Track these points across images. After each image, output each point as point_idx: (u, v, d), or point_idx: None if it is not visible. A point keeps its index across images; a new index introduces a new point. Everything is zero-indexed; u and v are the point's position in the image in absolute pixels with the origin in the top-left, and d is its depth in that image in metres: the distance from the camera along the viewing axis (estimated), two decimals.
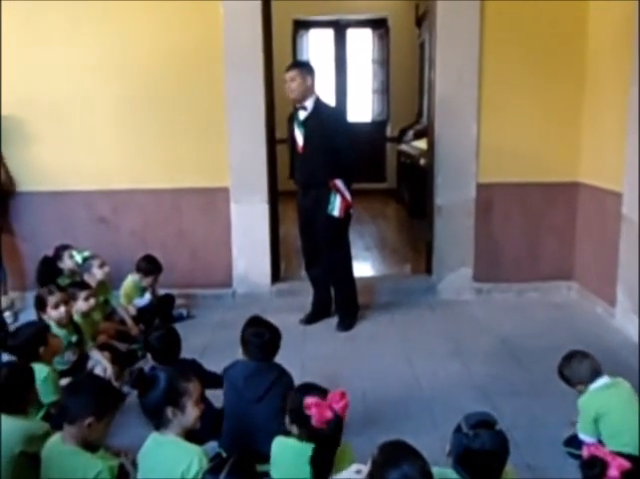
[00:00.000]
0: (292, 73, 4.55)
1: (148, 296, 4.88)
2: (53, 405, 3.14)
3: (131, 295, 4.82)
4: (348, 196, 4.61)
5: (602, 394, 2.92)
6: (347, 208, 4.64)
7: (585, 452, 2.37)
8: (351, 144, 4.61)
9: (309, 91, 4.58)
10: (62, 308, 3.77)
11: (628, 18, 4.46)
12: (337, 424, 2.37)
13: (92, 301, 4.14)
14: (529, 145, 5.26)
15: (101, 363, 3.84)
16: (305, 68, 4.62)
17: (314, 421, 2.36)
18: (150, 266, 4.88)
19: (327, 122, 4.58)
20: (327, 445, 2.39)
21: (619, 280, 4.68)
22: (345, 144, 4.58)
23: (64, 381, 3.42)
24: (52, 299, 3.76)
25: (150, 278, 4.87)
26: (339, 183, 4.58)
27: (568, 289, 5.44)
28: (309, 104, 4.60)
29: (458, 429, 2.21)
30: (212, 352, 3.63)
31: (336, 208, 4.58)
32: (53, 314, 3.75)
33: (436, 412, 3.52)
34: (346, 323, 4.83)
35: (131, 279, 4.85)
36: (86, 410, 2.47)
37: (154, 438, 2.53)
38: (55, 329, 3.68)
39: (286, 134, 4.85)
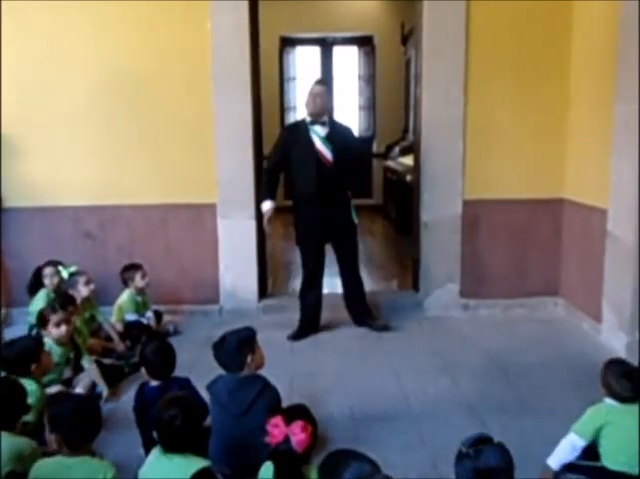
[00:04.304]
0: (320, 89, 4.81)
1: (149, 314, 4.89)
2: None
3: (124, 309, 4.81)
4: None
5: (615, 408, 2.87)
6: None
7: None
8: (367, 158, 4.95)
9: (327, 109, 4.85)
10: (63, 327, 3.78)
11: (611, 39, 4.52)
12: (289, 453, 2.35)
13: (63, 328, 4.10)
14: (515, 161, 5.29)
15: (84, 380, 3.84)
16: (328, 87, 4.89)
17: (267, 439, 2.37)
18: (129, 269, 4.89)
19: (347, 138, 4.91)
20: (286, 467, 2.38)
21: (605, 297, 4.71)
22: (363, 158, 5.02)
23: None
24: (54, 318, 3.78)
25: (140, 281, 4.85)
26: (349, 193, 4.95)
27: (554, 305, 5.47)
28: (325, 119, 4.79)
29: (459, 456, 2.18)
30: (200, 369, 3.60)
31: (355, 215, 4.93)
32: (54, 332, 3.77)
33: (424, 429, 3.52)
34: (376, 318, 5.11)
35: (128, 293, 4.84)
36: (94, 434, 2.54)
37: (159, 455, 2.51)
38: (53, 347, 3.71)
39: (281, 148, 4.85)
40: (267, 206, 4.78)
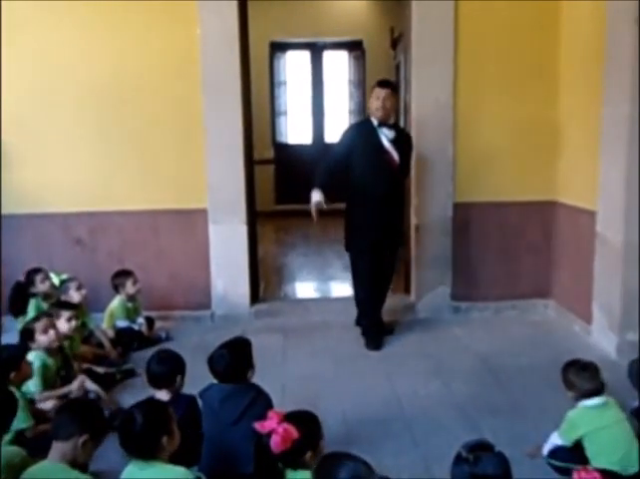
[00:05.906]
0: (387, 91, 4.69)
1: (141, 321, 4.89)
2: (24, 431, 3.10)
3: (115, 315, 4.80)
4: None
5: (593, 413, 2.93)
6: None
7: (575, 477, 2.38)
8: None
9: (394, 112, 4.83)
10: (51, 331, 3.68)
11: (598, 42, 4.55)
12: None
13: (73, 323, 4.07)
14: (505, 164, 5.32)
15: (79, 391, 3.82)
16: (396, 90, 4.85)
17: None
18: (120, 275, 4.88)
19: (406, 144, 4.83)
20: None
21: (595, 298, 4.73)
22: (409, 165, 4.97)
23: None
24: (39, 326, 3.66)
25: (132, 287, 4.85)
26: None
27: (545, 307, 5.49)
28: (392, 122, 4.79)
29: (457, 459, 2.17)
30: (192, 375, 3.58)
31: None
32: (42, 340, 3.65)
33: (416, 431, 3.52)
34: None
35: (119, 299, 4.84)
36: (83, 427, 2.47)
37: (136, 465, 2.45)
38: (46, 359, 3.63)
39: (347, 144, 4.74)
40: (316, 197, 4.61)
